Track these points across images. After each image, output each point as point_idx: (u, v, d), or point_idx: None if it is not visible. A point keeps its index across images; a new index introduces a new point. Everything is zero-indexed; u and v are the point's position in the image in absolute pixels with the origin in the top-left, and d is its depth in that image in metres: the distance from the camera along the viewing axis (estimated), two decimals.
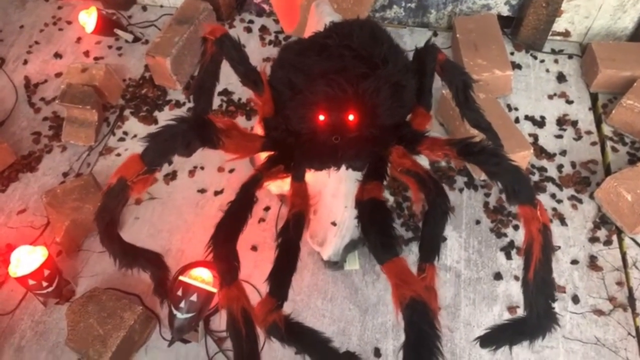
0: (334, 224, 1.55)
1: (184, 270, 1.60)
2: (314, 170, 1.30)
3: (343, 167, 1.35)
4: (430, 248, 1.16)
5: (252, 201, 1.18)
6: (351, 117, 1.20)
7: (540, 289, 1.10)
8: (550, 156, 1.97)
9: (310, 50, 1.28)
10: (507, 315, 1.61)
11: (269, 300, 1.11)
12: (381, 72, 1.21)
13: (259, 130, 1.39)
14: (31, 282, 1.54)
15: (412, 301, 0.94)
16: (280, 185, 1.68)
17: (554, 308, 1.12)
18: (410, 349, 0.94)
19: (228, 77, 1.72)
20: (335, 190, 1.54)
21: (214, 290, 1.54)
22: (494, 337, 1.21)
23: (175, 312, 1.48)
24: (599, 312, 1.60)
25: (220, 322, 1.62)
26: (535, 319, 1.12)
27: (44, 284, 1.56)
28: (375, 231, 1.08)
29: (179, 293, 1.48)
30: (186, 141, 1.12)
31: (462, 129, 1.85)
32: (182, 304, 1.47)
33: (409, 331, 0.95)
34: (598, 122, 2.08)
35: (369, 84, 1.19)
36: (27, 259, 1.56)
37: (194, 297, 1.47)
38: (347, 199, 1.54)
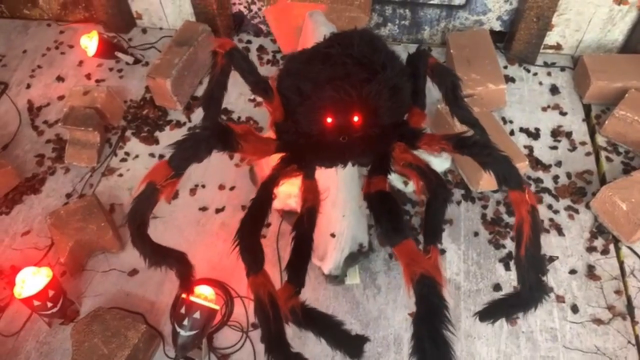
0: (333, 235, 1.59)
1: None
2: (324, 168, 1.40)
3: (341, 172, 1.45)
4: (434, 232, 1.27)
5: (271, 198, 1.27)
6: (356, 119, 1.30)
7: (531, 264, 1.20)
8: (546, 167, 2.01)
9: (315, 60, 1.37)
10: (507, 327, 1.62)
11: (288, 287, 1.22)
12: (381, 77, 1.30)
13: (271, 134, 1.47)
14: (36, 303, 1.56)
15: (422, 277, 1.03)
16: (283, 199, 1.71)
17: (544, 281, 1.23)
18: (421, 320, 1.01)
19: (227, 97, 1.76)
20: (334, 199, 1.58)
21: (217, 307, 1.56)
22: (491, 311, 1.32)
23: (178, 329, 1.49)
24: (598, 321, 1.62)
25: (223, 339, 1.63)
26: (528, 291, 1.23)
27: (49, 304, 1.57)
28: (386, 218, 1.18)
29: (182, 311, 1.50)
30: (209, 147, 1.20)
31: None
32: (186, 322, 1.48)
33: (420, 304, 1.03)
34: (592, 133, 2.12)
35: (371, 88, 1.28)
36: (31, 280, 1.58)
37: (197, 315, 1.49)
38: (345, 207, 1.59)
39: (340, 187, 1.59)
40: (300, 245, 1.26)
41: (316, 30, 1.75)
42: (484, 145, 1.25)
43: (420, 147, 1.37)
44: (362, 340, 1.37)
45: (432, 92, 1.96)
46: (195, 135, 1.22)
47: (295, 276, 1.24)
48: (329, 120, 1.30)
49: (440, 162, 1.94)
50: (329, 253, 1.60)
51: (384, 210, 1.21)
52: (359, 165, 1.51)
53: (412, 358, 1.00)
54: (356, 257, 1.65)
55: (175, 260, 1.35)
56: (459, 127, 1.73)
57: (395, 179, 1.90)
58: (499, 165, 1.21)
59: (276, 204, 1.77)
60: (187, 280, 1.40)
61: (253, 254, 1.14)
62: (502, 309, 1.33)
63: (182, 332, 1.49)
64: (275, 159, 1.40)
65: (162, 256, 1.30)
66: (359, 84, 1.28)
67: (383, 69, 1.32)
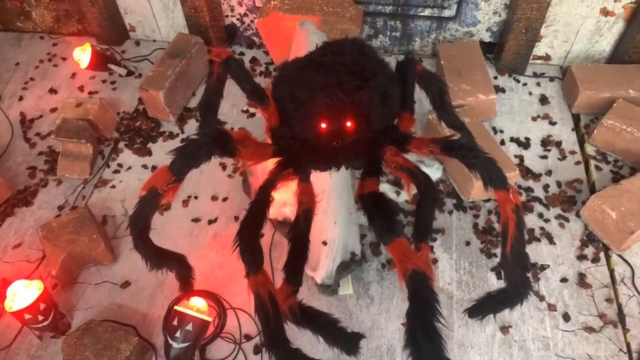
0: (324, 243, 1.61)
1: (179, 299, 1.62)
2: (319, 171, 1.45)
3: (332, 179, 1.52)
4: (424, 230, 1.37)
5: (269, 200, 1.32)
6: (349, 124, 1.35)
7: (516, 261, 1.28)
8: (536, 176, 2.02)
9: (308, 68, 1.41)
10: (500, 335, 1.62)
11: (286, 286, 1.27)
12: (372, 84, 1.35)
13: (267, 140, 1.51)
14: (27, 316, 1.54)
15: (414, 272, 1.08)
16: (277, 208, 1.72)
17: (529, 278, 1.32)
18: (414, 312, 1.06)
19: (220, 108, 1.77)
20: (325, 206, 1.59)
21: (209, 319, 1.56)
22: (480, 308, 1.43)
23: (171, 341, 1.49)
24: (589, 329, 1.63)
25: (216, 351, 1.62)
26: (514, 287, 1.33)
27: (40, 317, 1.56)
28: (379, 217, 1.23)
29: (175, 322, 1.49)
30: (209, 152, 1.25)
31: None
32: (178, 334, 1.48)
33: (413, 297, 1.07)
34: (581, 142, 2.14)
35: (363, 95, 1.33)
36: (23, 293, 1.56)
37: (189, 327, 1.48)
38: (336, 213, 1.62)
39: (330, 194, 1.61)
40: (297, 245, 1.32)
41: (307, 39, 1.78)
42: (470, 148, 1.31)
43: (410, 150, 1.43)
44: (358, 337, 1.40)
45: (423, 102, 1.99)
46: (195, 141, 1.26)
47: (292, 276, 1.29)
48: (323, 125, 1.35)
49: (431, 172, 1.95)
50: (321, 262, 1.61)
51: (377, 210, 1.26)
52: (352, 168, 1.57)
53: (406, 350, 1.04)
54: (348, 265, 1.65)
55: (175, 263, 1.41)
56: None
57: (387, 189, 1.91)
58: (484, 166, 1.27)
59: (270, 213, 1.78)
60: (187, 281, 1.48)
61: (253, 254, 1.19)
62: (490, 305, 1.43)
63: (175, 344, 1.48)
64: (270, 167, 1.43)
65: (163, 259, 1.36)
66: (351, 91, 1.33)
67: (374, 76, 1.37)
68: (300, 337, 1.63)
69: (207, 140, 1.26)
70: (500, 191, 1.26)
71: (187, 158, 1.23)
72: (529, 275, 1.32)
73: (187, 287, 1.50)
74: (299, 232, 1.32)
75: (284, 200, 1.66)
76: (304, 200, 1.35)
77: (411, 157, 1.46)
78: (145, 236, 1.27)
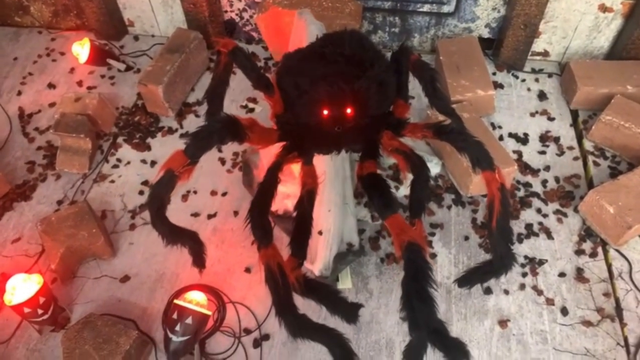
0: (320, 233, 1.63)
1: (178, 293, 1.62)
2: (322, 154, 1.53)
3: (326, 168, 1.59)
4: (418, 207, 1.48)
5: (277, 181, 1.39)
6: (349, 110, 1.42)
7: (501, 235, 1.40)
8: (535, 172, 2.03)
9: (310, 58, 1.48)
10: (498, 329, 1.64)
11: (291, 260, 1.36)
12: (370, 73, 1.41)
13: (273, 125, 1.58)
14: (26, 310, 1.55)
15: (409, 244, 1.19)
16: (280, 200, 1.73)
17: (513, 250, 1.43)
18: (409, 280, 1.16)
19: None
20: (320, 196, 1.61)
21: (209, 313, 1.56)
22: (468, 278, 1.54)
23: (170, 335, 1.49)
24: (587, 323, 1.64)
25: (215, 344, 1.63)
26: (499, 259, 1.45)
27: (39, 311, 1.56)
28: (378, 195, 1.34)
29: (174, 316, 1.50)
30: (221, 137, 1.34)
31: (447, 148, 1.91)
32: (178, 327, 1.49)
33: (408, 266, 1.17)
34: (579, 138, 2.15)
35: (362, 83, 1.39)
36: (22, 287, 1.57)
37: (189, 320, 1.49)
38: (330, 202, 1.64)
39: (325, 183, 1.63)
40: (301, 223, 1.40)
41: (306, 28, 1.82)
42: (460, 132, 1.41)
43: (405, 134, 1.51)
44: (357, 306, 1.48)
45: (422, 98, 1.99)
46: (208, 126, 1.35)
47: (298, 250, 1.38)
48: (325, 112, 1.41)
49: (430, 167, 1.96)
50: (318, 253, 1.62)
51: (376, 188, 1.37)
52: (352, 152, 1.67)
53: (402, 313, 1.14)
54: (345, 256, 1.66)
55: (188, 238, 1.51)
56: None
57: None
58: (472, 148, 1.36)
59: (272, 206, 1.79)
60: (199, 257, 1.57)
61: (263, 229, 1.28)
62: (477, 276, 1.55)
63: (174, 338, 1.49)
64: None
65: (178, 235, 1.46)
66: (350, 80, 1.39)
67: (371, 65, 1.43)
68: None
69: (219, 126, 1.34)
70: (487, 171, 1.35)
71: (201, 142, 1.31)
72: (513, 248, 1.44)
73: (199, 261, 1.57)
74: (303, 210, 1.40)
75: (287, 193, 1.67)
76: (308, 181, 1.43)
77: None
78: (162, 215, 1.35)
